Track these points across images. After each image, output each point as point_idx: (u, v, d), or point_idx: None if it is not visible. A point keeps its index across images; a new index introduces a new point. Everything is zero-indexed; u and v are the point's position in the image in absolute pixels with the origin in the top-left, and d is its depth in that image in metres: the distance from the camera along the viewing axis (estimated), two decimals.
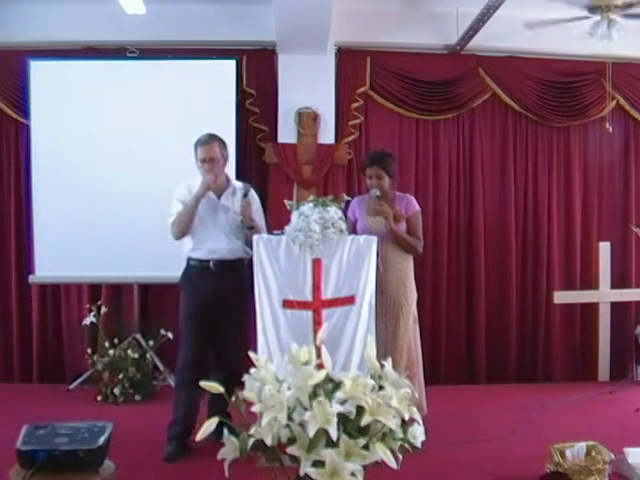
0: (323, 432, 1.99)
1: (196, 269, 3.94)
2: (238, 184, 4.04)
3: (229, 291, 3.90)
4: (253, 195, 4.04)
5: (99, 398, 4.90)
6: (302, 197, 4.93)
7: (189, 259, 3.99)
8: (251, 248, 3.81)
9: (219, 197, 3.95)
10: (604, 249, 5.67)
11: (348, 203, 4.13)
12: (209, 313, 3.89)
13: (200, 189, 3.84)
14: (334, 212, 3.61)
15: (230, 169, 5.13)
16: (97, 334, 5.19)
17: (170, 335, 4.95)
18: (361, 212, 4.13)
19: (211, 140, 3.90)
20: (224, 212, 3.92)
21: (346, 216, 3.93)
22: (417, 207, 4.15)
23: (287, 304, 3.60)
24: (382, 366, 2.20)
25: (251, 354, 2.30)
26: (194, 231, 3.93)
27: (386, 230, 3.95)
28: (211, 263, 3.89)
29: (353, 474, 2.00)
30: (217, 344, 3.97)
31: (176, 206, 3.93)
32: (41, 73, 5.19)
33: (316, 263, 3.60)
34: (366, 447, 2.04)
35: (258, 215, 4.04)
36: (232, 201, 3.93)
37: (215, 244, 3.90)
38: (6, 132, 5.51)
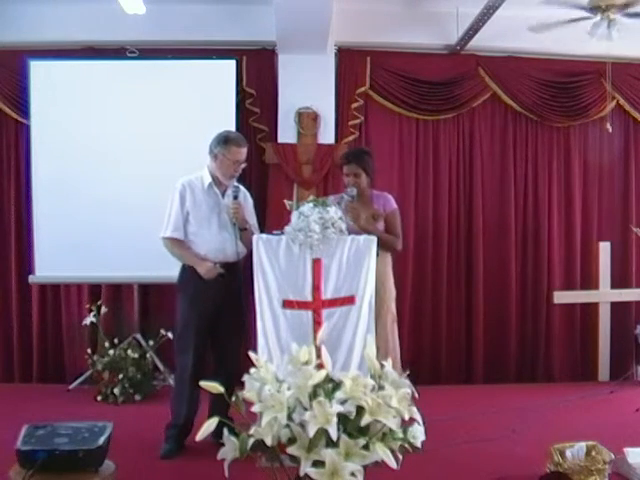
0: (323, 432, 2.00)
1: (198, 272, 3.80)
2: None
3: (232, 294, 3.82)
4: (245, 195, 3.97)
5: (99, 398, 4.90)
6: (302, 197, 4.93)
7: None
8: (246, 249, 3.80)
9: (223, 195, 3.87)
10: (604, 249, 5.67)
11: None
12: (211, 318, 3.82)
13: (202, 270, 3.76)
14: (334, 212, 3.60)
15: None
16: (97, 334, 5.19)
17: (170, 335, 4.93)
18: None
19: (245, 143, 3.87)
20: (226, 211, 3.83)
21: None
22: (394, 205, 4.17)
23: (287, 304, 3.59)
24: (382, 366, 2.21)
25: (251, 354, 2.30)
26: (196, 231, 3.82)
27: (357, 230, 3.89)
28: (217, 266, 3.80)
29: (353, 474, 2.00)
30: (218, 347, 3.90)
31: (175, 212, 3.79)
32: (41, 73, 5.18)
33: (316, 263, 3.59)
34: (366, 447, 2.04)
35: (251, 215, 3.99)
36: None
37: (221, 245, 3.81)
38: (6, 132, 5.51)
